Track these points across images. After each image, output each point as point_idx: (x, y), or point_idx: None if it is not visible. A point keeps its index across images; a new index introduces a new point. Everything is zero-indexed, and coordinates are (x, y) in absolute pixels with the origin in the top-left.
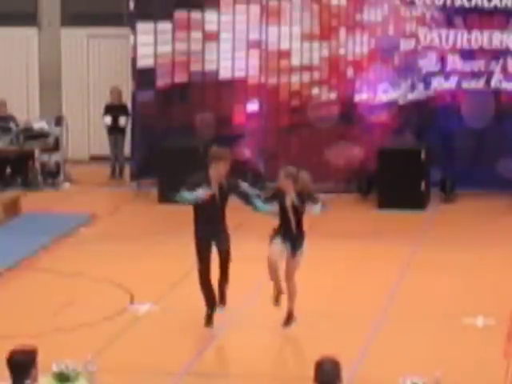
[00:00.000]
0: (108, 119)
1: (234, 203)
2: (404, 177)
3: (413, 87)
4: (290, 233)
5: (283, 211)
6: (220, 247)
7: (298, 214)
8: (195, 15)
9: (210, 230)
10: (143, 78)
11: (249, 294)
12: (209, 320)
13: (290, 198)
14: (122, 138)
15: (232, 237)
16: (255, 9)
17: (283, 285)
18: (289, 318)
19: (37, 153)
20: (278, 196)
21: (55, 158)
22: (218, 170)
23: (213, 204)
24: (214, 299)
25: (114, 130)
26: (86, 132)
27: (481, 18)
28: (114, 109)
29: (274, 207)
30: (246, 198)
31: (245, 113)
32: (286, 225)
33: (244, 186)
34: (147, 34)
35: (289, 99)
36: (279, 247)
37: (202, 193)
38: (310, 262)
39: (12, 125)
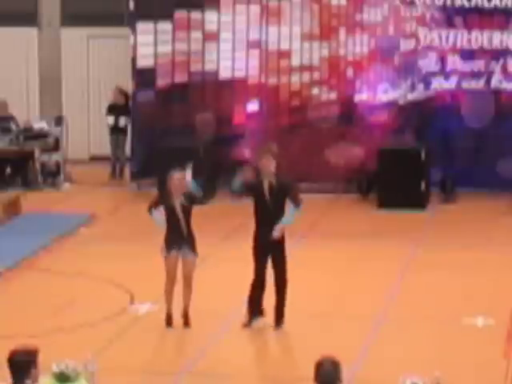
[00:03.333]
0: (110, 119)
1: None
2: (404, 177)
3: (413, 87)
4: None
5: None
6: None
7: None
8: (195, 15)
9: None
10: (143, 78)
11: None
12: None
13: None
14: (124, 137)
15: (232, 236)
16: (255, 9)
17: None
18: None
19: (37, 153)
20: None
21: (55, 157)
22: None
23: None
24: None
25: (116, 130)
26: (85, 132)
27: (481, 18)
28: (116, 109)
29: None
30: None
31: (245, 113)
32: None
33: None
34: (147, 34)
35: (289, 99)
36: None
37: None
38: (310, 261)
39: (12, 125)
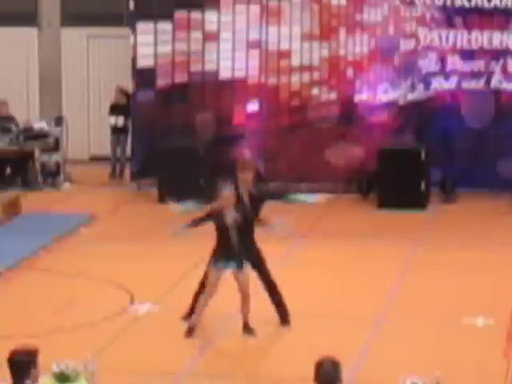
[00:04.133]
0: (112, 119)
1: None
2: (404, 177)
3: (413, 87)
4: None
5: None
6: None
7: None
8: (195, 15)
9: None
10: (143, 78)
11: None
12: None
13: None
14: (125, 137)
15: None
16: (255, 9)
17: None
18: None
19: (37, 153)
20: None
21: (55, 157)
22: None
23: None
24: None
25: (116, 130)
26: (85, 132)
27: (481, 18)
28: (117, 109)
29: None
30: None
31: (245, 113)
32: None
33: None
34: (147, 34)
35: (289, 99)
36: None
37: None
38: (311, 261)
39: (12, 125)
